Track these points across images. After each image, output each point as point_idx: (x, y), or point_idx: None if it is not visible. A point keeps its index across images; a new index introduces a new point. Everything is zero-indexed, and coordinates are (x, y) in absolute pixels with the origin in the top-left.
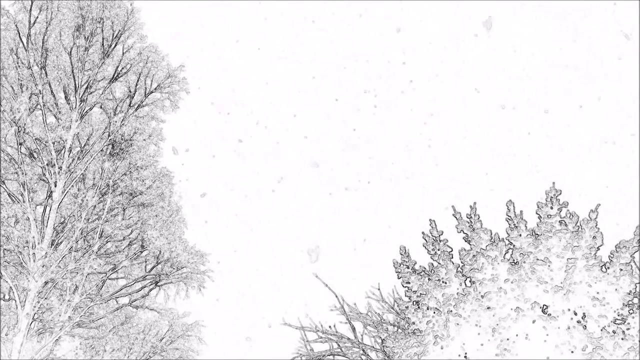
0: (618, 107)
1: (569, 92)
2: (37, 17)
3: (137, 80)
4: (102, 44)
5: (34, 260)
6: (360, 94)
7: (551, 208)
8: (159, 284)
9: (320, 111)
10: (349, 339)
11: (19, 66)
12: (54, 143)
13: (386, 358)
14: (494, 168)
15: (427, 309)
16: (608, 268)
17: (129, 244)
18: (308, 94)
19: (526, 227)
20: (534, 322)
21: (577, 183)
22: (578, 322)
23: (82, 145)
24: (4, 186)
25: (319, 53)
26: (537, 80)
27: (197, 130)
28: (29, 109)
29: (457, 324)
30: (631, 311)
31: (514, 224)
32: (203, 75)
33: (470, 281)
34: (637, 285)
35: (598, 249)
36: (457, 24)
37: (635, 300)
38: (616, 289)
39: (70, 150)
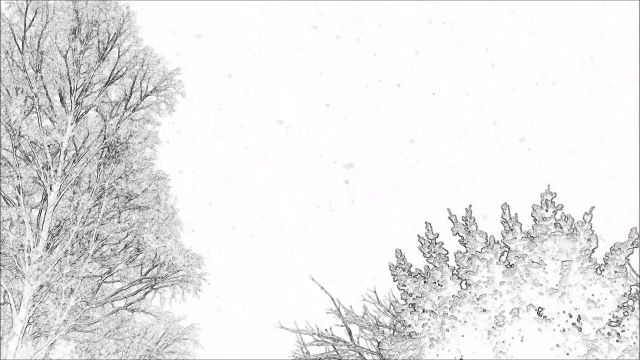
0: (617, 107)
1: (568, 91)
2: (33, 19)
3: (133, 83)
4: (98, 47)
5: (29, 264)
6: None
7: (546, 210)
8: (154, 287)
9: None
10: (345, 342)
11: (14, 69)
12: (49, 146)
13: None
14: (491, 170)
15: (423, 311)
16: (603, 270)
17: (124, 247)
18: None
19: (521, 229)
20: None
21: (574, 184)
22: (573, 324)
23: (78, 149)
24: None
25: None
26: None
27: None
28: (24, 112)
29: (453, 327)
30: (626, 313)
31: (509, 227)
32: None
33: (465, 284)
34: (632, 287)
35: (593, 251)
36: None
37: (630, 303)
38: (611, 291)
39: (66, 154)
